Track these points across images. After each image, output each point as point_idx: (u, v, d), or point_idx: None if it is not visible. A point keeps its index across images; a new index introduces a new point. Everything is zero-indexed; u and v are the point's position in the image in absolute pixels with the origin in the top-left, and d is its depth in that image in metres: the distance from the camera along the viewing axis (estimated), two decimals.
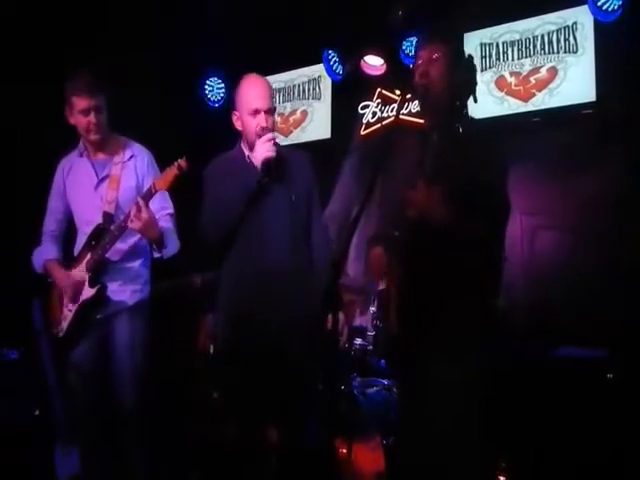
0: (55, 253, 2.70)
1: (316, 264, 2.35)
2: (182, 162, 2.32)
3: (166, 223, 2.56)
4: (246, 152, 2.42)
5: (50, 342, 2.93)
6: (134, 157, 2.63)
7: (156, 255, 2.55)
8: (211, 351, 3.73)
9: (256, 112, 2.32)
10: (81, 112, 2.49)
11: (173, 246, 2.54)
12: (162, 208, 2.58)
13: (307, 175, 2.43)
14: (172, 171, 2.33)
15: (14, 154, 3.79)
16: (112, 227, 2.49)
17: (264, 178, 2.26)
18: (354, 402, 3.03)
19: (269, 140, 2.27)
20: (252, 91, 2.36)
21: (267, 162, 2.25)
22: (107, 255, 2.53)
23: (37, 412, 3.43)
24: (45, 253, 2.69)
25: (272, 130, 2.33)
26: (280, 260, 2.26)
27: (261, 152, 2.26)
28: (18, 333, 3.36)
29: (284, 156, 2.38)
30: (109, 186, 2.58)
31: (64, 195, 2.70)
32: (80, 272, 2.57)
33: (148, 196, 2.39)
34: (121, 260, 2.58)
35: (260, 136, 2.30)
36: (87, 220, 2.62)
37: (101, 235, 2.53)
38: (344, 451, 2.87)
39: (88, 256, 2.56)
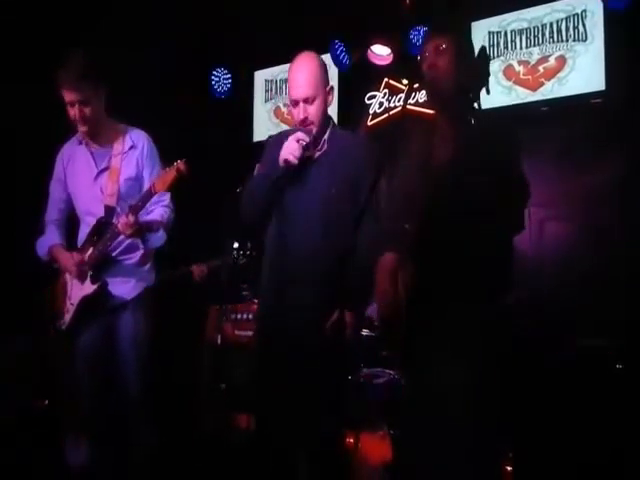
0: (59, 239, 2.69)
1: (356, 266, 2.12)
2: (181, 165, 2.30)
3: (158, 215, 2.55)
4: None
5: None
6: (134, 147, 2.61)
7: (146, 262, 2.59)
8: (218, 342, 3.75)
9: (295, 103, 2.22)
10: (68, 104, 2.49)
11: (156, 240, 2.54)
12: (157, 201, 2.56)
13: (360, 166, 2.22)
14: (171, 173, 2.32)
15: (14, 147, 3.80)
16: (114, 221, 2.48)
17: (280, 179, 2.16)
18: (361, 393, 3.03)
19: (297, 140, 2.13)
20: (291, 79, 2.25)
21: (286, 164, 2.15)
22: (108, 249, 2.54)
23: (47, 402, 3.46)
24: (49, 240, 2.69)
25: (313, 121, 2.20)
26: (313, 248, 2.17)
27: (284, 152, 2.14)
28: (28, 322, 3.38)
29: (339, 142, 2.26)
30: (109, 178, 2.57)
31: (65, 184, 2.70)
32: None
33: (147, 197, 2.39)
34: (121, 253, 2.58)
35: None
36: (88, 211, 2.62)
37: (103, 230, 2.52)
38: (351, 441, 2.88)
39: (90, 251, 2.56)
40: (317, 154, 2.28)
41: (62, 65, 2.46)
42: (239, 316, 3.86)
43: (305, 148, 2.15)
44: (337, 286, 2.03)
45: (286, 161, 2.14)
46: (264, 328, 2.35)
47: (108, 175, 2.58)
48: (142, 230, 2.45)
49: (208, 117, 4.79)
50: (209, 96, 4.95)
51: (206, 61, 4.90)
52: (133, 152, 2.61)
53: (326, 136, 2.28)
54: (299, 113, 2.20)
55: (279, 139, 2.30)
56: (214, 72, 4.96)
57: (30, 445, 3.17)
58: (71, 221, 2.75)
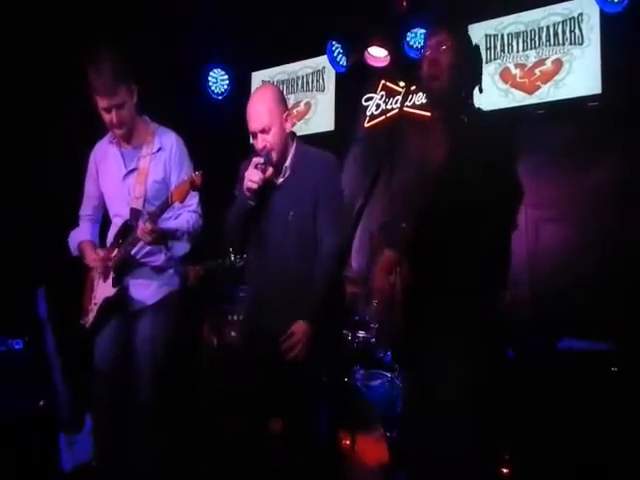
0: (89, 235, 2.73)
1: (315, 276, 2.28)
2: (197, 178, 2.34)
3: (184, 220, 2.57)
4: None
5: (54, 331, 2.99)
6: (162, 149, 2.62)
7: (170, 264, 2.62)
8: (215, 343, 3.74)
9: (254, 135, 2.32)
10: (103, 110, 2.50)
11: (179, 248, 2.58)
12: (184, 205, 2.58)
13: (318, 185, 2.31)
14: (186, 185, 2.36)
15: (14, 141, 3.79)
16: (138, 223, 2.49)
17: (248, 203, 2.27)
18: (357, 394, 3.03)
19: (255, 166, 2.24)
20: (247, 114, 2.35)
21: (250, 191, 2.24)
22: (132, 252, 2.55)
23: (42, 402, 3.45)
24: (80, 235, 2.72)
25: (273, 148, 2.29)
26: (277, 271, 2.30)
27: (245, 182, 2.25)
28: (23, 323, 3.37)
29: (302, 166, 2.33)
30: (137, 180, 2.58)
31: (97, 182, 2.72)
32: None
33: (165, 206, 2.41)
34: (145, 256, 2.59)
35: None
36: (116, 212, 2.65)
37: (128, 232, 2.54)
38: (347, 443, 2.88)
39: (115, 252, 2.58)
40: (280, 180, 2.36)
41: (94, 68, 2.45)
42: (235, 318, 3.85)
43: (264, 170, 2.24)
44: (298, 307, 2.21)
45: (249, 189, 2.24)
46: (243, 340, 2.53)
47: (136, 177, 2.59)
48: (165, 238, 2.47)
49: (205, 118, 4.78)
50: (206, 97, 4.95)
51: (203, 62, 4.90)
52: (161, 154, 2.61)
53: (288, 162, 2.35)
54: (258, 143, 2.31)
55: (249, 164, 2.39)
56: (211, 73, 4.96)
57: (29, 445, 3.16)
58: (105, 218, 2.78)
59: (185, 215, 2.58)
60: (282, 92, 2.46)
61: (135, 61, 2.57)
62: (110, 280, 2.57)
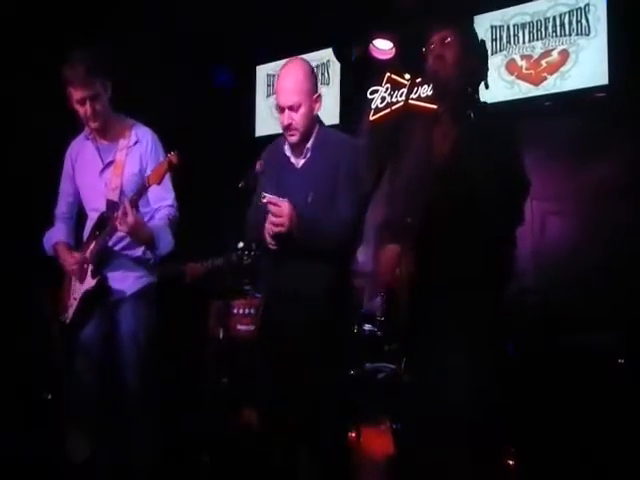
0: (64, 235, 2.72)
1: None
2: (172, 157, 2.32)
3: (163, 218, 2.56)
4: (285, 148, 2.36)
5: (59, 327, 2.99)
6: (139, 142, 2.62)
7: (148, 256, 2.57)
8: (220, 336, 3.75)
9: (281, 109, 2.24)
10: (77, 102, 2.50)
11: (165, 246, 2.54)
12: (161, 199, 2.58)
13: (338, 166, 2.23)
14: (163, 166, 2.35)
15: (14, 139, 3.80)
16: (115, 215, 2.47)
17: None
18: (363, 387, 3.04)
19: (270, 223, 2.14)
20: (278, 85, 2.26)
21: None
22: (110, 243, 2.55)
23: (49, 396, 3.47)
24: (55, 235, 2.72)
25: (297, 128, 2.22)
26: (294, 259, 2.22)
27: (269, 236, 2.19)
28: (29, 318, 3.39)
29: (323, 149, 2.28)
30: (113, 173, 2.58)
31: (73, 178, 2.73)
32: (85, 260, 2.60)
33: (142, 190, 2.40)
34: (123, 248, 2.59)
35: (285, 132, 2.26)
36: (93, 207, 2.64)
37: (104, 224, 2.54)
38: (353, 435, 2.89)
39: (92, 245, 2.58)
40: (301, 162, 2.31)
41: (68, 63, 2.46)
42: (241, 311, 3.86)
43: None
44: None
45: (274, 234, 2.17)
46: (262, 327, 2.44)
47: (112, 169, 2.60)
48: (140, 228, 2.41)
49: (209, 112, 4.78)
50: (210, 91, 4.94)
51: (208, 55, 4.89)
52: (138, 147, 2.62)
53: (310, 144, 2.29)
54: (284, 119, 2.23)
55: (271, 151, 2.36)
56: (216, 66, 4.95)
57: (36, 439, 3.18)
58: (80, 215, 2.77)
59: (164, 210, 2.58)
60: (314, 70, 2.36)
61: (112, 56, 2.57)
62: (89, 273, 2.56)
